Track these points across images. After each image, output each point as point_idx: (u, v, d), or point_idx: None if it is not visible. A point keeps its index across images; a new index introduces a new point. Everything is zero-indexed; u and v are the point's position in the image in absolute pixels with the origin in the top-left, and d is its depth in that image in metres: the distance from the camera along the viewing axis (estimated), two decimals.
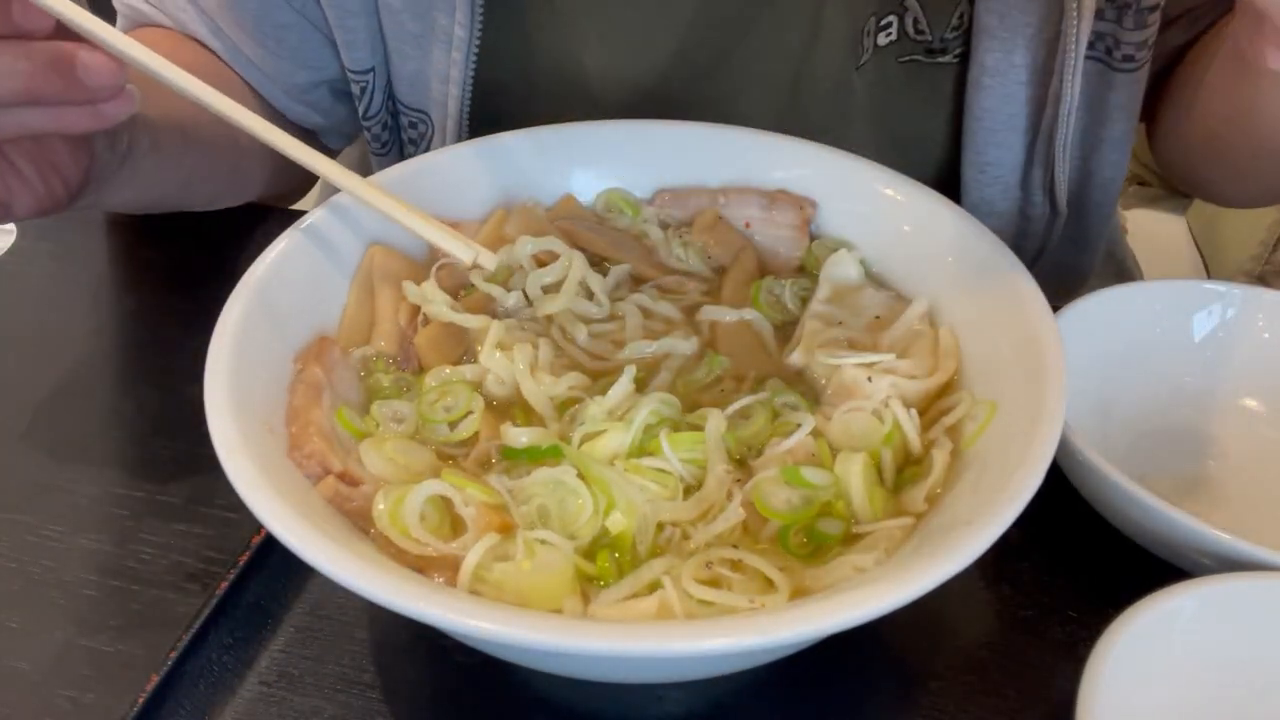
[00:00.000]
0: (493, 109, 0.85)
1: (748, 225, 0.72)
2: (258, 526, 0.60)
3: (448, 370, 0.61)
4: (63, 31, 0.55)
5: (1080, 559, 0.63)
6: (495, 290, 0.66)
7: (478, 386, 0.61)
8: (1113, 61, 0.81)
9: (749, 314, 0.66)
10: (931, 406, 0.60)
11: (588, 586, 0.51)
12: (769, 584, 0.51)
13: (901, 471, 0.57)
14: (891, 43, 0.84)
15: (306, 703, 0.56)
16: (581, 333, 0.64)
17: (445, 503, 0.53)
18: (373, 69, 0.87)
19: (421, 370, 0.62)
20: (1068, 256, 0.92)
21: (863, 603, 0.44)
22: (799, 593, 0.50)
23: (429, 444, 0.58)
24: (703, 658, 0.48)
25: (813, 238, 0.72)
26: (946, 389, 0.61)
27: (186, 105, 0.60)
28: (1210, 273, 1.49)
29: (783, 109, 0.86)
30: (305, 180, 1.00)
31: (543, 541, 0.51)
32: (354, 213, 0.65)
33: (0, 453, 0.69)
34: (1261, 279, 1.39)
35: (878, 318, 0.65)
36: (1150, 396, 0.71)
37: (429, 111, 0.88)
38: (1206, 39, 0.83)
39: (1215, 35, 0.82)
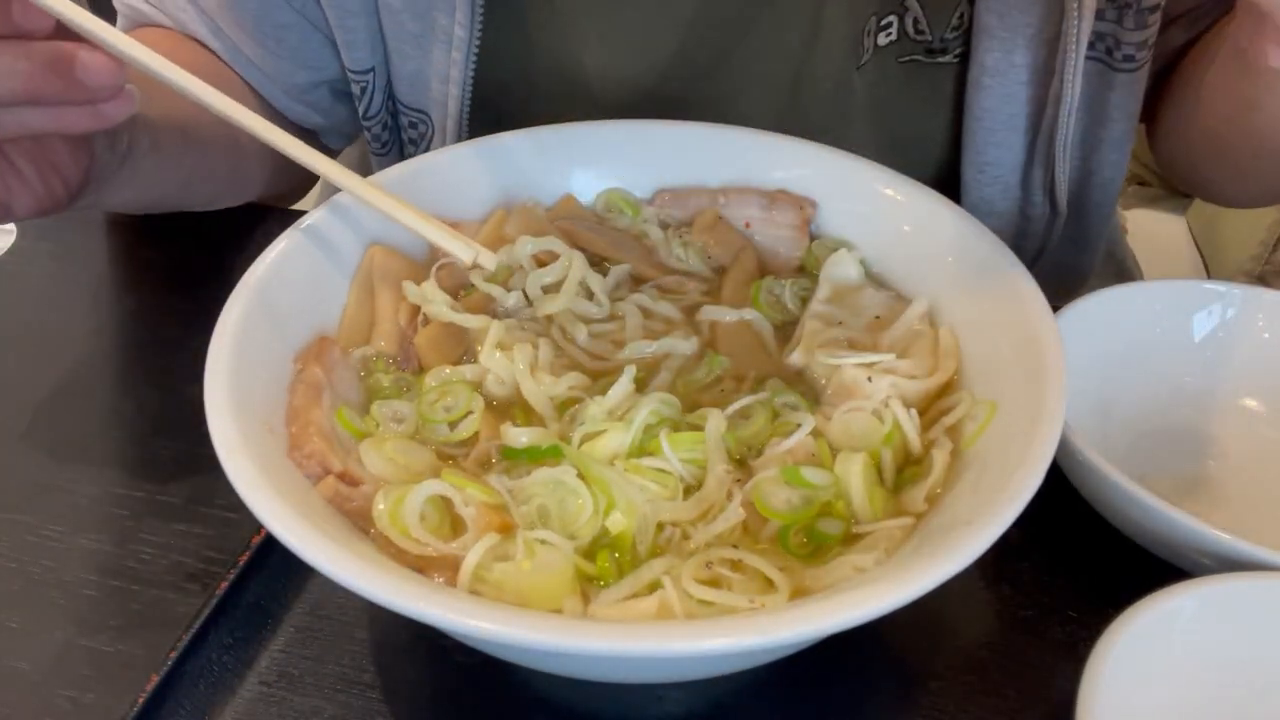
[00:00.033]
0: (493, 109, 0.85)
1: (748, 225, 0.72)
2: (258, 526, 0.60)
3: (448, 370, 0.61)
4: (63, 31, 0.55)
5: (1080, 559, 0.63)
6: (495, 290, 0.66)
7: (478, 386, 0.61)
8: (1113, 61, 0.81)
9: (749, 314, 0.66)
10: (931, 406, 0.60)
11: (588, 586, 0.51)
12: (769, 584, 0.51)
13: (901, 471, 0.57)
14: (892, 43, 0.84)
15: (306, 703, 0.56)
16: (581, 333, 0.64)
17: (445, 503, 0.53)
18: (373, 69, 0.87)
19: (421, 370, 0.62)
20: (1068, 256, 0.92)
21: (863, 603, 0.44)
22: (799, 593, 0.50)
23: (429, 444, 0.58)
24: (703, 658, 0.48)
25: (813, 238, 0.72)
26: (946, 389, 0.61)
27: (186, 105, 0.60)
28: (1210, 273, 1.49)
29: (783, 109, 0.86)
30: (305, 180, 1.00)
31: (543, 541, 0.51)
32: (354, 213, 0.65)
33: (0, 453, 0.69)
34: (1261, 279, 1.39)
35: (878, 318, 0.65)
36: (1150, 396, 0.71)
37: (429, 111, 0.88)
38: (1207, 39, 0.83)
39: (1216, 35, 0.82)
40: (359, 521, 0.53)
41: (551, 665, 0.53)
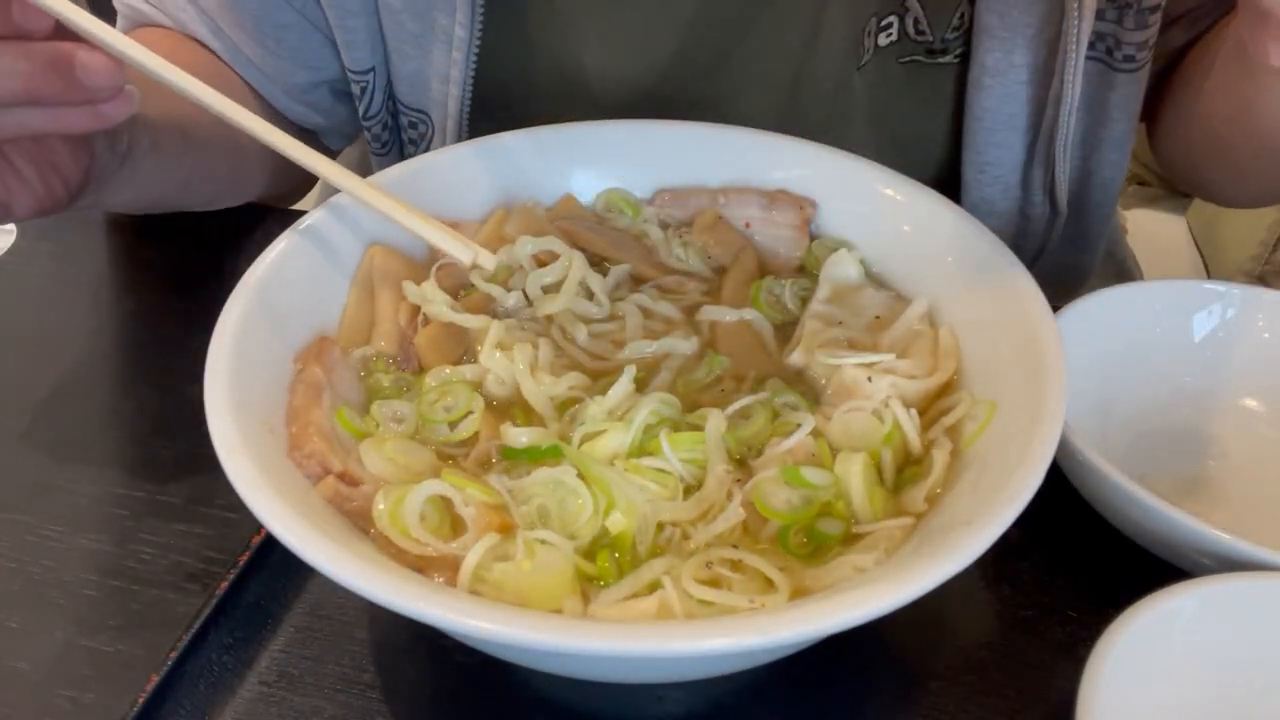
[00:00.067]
0: (493, 109, 0.85)
1: (748, 225, 0.72)
2: (258, 526, 0.60)
3: (448, 370, 0.61)
4: (62, 32, 0.55)
5: (1080, 559, 0.63)
6: (495, 290, 0.66)
7: (478, 386, 0.61)
8: (1113, 62, 0.81)
9: (749, 314, 0.66)
10: (931, 406, 0.60)
11: (588, 586, 0.51)
12: (769, 584, 0.51)
13: (901, 471, 0.57)
14: (892, 43, 0.84)
15: (306, 703, 0.56)
16: (581, 333, 0.64)
17: (445, 503, 0.53)
18: (373, 69, 0.87)
19: (421, 370, 0.62)
20: (1068, 256, 0.92)
21: (863, 603, 0.44)
22: (799, 593, 0.50)
23: (429, 444, 0.58)
24: (703, 658, 0.48)
25: (813, 238, 0.72)
26: (946, 389, 0.61)
27: (186, 105, 0.60)
28: (1210, 273, 1.49)
29: (783, 109, 0.86)
30: (305, 180, 1.00)
31: (543, 541, 0.51)
32: (354, 213, 0.65)
33: (0, 453, 0.69)
34: (1261, 279, 1.39)
35: (878, 318, 0.65)
36: (1150, 396, 0.71)
37: (429, 111, 0.88)
38: (1207, 39, 0.83)
39: (1216, 35, 0.82)
40: (359, 521, 0.53)
41: (551, 665, 0.53)
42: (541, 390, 0.59)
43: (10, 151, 0.60)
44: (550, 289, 0.66)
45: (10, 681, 0.57)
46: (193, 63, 0.84)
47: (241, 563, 0.61)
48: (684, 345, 0.64)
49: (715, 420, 0.57)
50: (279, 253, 0.61)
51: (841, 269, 0.68)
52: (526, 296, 0.66)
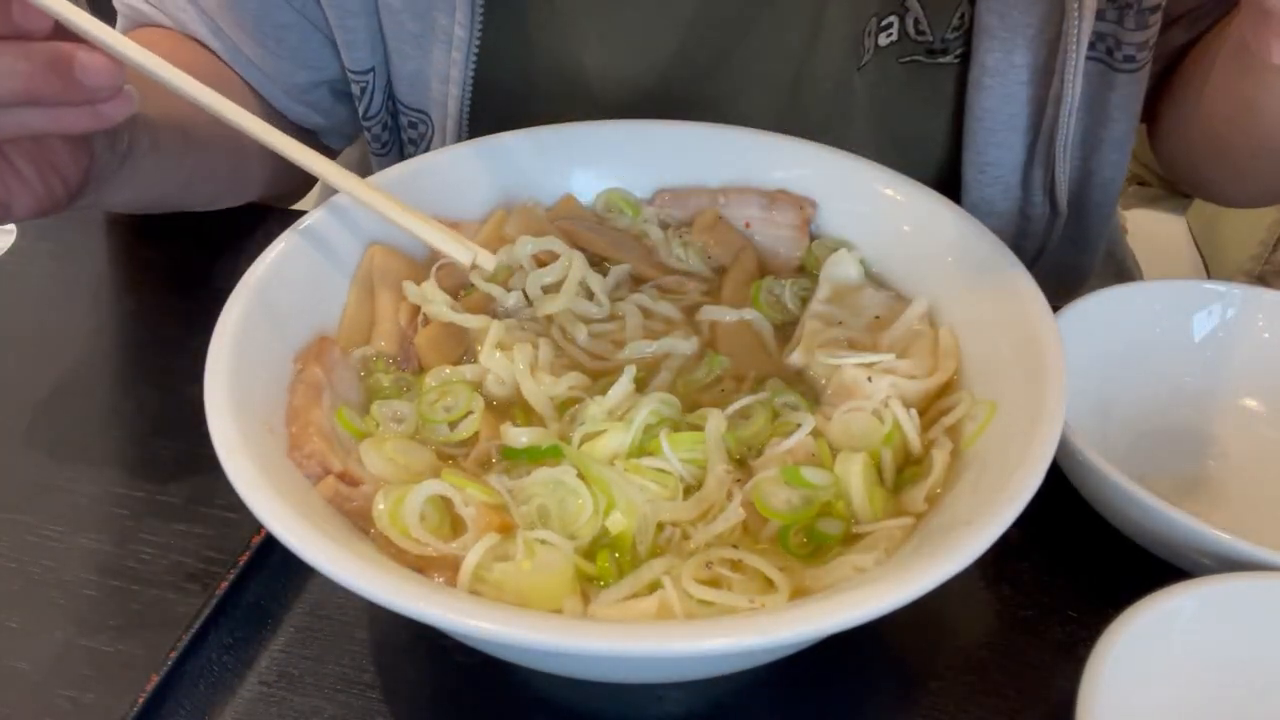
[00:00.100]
0: (493, 109, 0.85)
1: (748, 225, 0.72)
2: (258, 526, 0.60)
3: (448, 370, 0.61)
4: (62, 32, 0.55)
5: (1080, 559, 0.63)
6: (495, 290, 0.66)
7: (478, 386, 0.61)
8: (1114, 62, 0.81)
9: (749, 314, 0.66)
10: (931, 406, 0.60)
11: (588, 586, 0.51)
12: (769, 584, 0.51)
13: (901, 471, 0.57)
14: (892, 43, 0.84)
15: (306, 703, 0.56)
16: (581, 333, 0.64)
17: (445, 503, 0.53)
18: (373, 69, 0.87)
19: (421, 370, 0.62)
20: (1068, 256, 0.92)
21: (863, 603, 0.44)
22: (799, 593, 0.50)
23: (429, 444, 0.58)
24: (703, 658, 0.48)
25: (813, 238, 0.72)
26: (946, 389, 0.61)
27: (186, 105, 0.60)
28: (1210, 273, 1.49)
29: (783, 109, 0.86)
30: (305, 181, 1.00)
31: (543, 541, 0.51)
32: (354, 213, 0.65)
33: (0, 453, 0.69)
34: (1261, 279, 1.39)
35: (878, 318, 0.65)
36: (1150, 396, 0.71)
37: (429, 111, 0.88)
38: (1208, 39, 0.83)
39: (1217, 35, 0.82)
40: (359, 521, 0.53)
41: (551, 665, 0.53)
42: (541, 390, 0.59)
43: (10, 151, 0.60)
44: (550, 289, 0.66)
45: (10, 681, 0.57)
46: (193, 63, 0.84)
47: (241, 563, 0.61)
48: (684, 345, 0.64)
49: (715, 420, 0.57)
50: (279, 253, 0.61)
51: (841, 269, 0.68)
52: (526, 296, 0.66)
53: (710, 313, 0.66)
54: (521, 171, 0.72)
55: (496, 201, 0.72)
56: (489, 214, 0.71)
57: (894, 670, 0.59)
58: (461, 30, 0.81)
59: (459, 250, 0.63)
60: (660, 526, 0.54)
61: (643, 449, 0.56)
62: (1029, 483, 0.49)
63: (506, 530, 0.52)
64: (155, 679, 0.56)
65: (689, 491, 0.55)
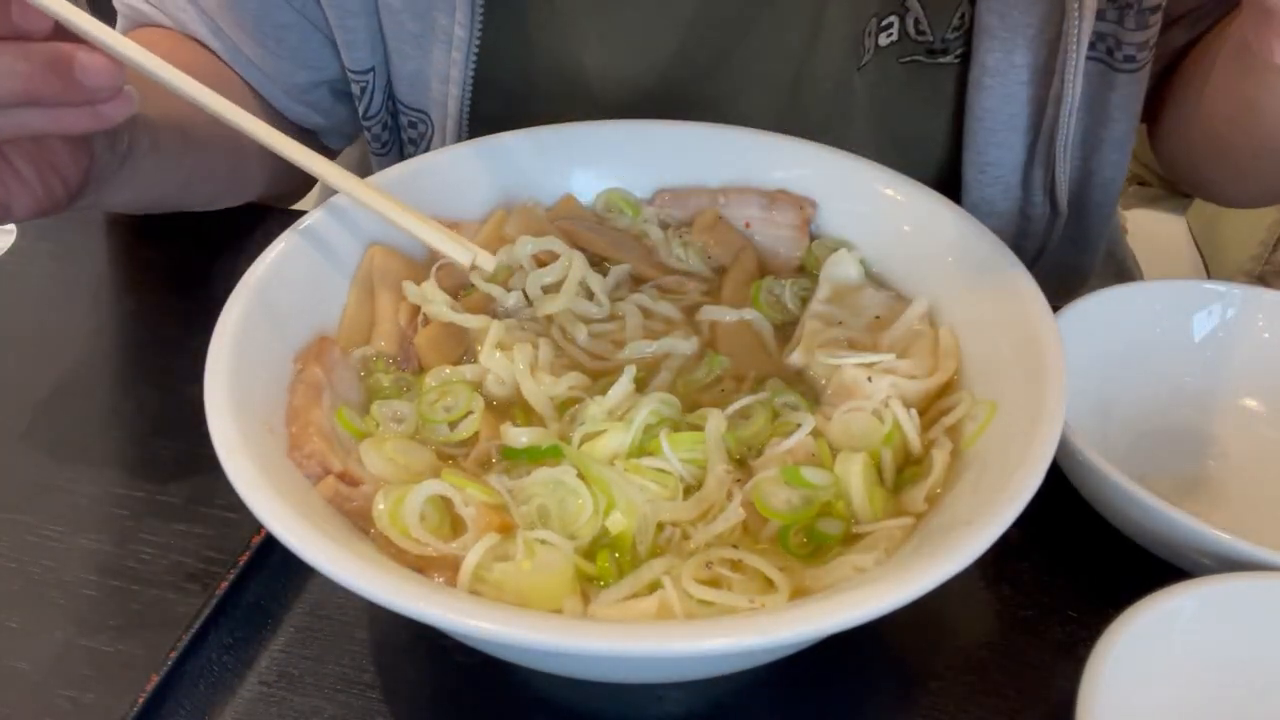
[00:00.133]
0: (493, 109, 0.85)
1: (748, 225, 0.72)
2: (258, 526, 0.60)
3: (448, 370, 0.61)
4: (61, 33, 0.55)
5: (1080, 559, 0.63)
6: (495, 290, 0.66)
7: (478, 386, 0.61)
8: (1114, 62, 0.81)
9: (749, 314, 0.66)
10: (931, 406, 0.60)
11: (588, 586, 0.51)
12: (769, 584, 0.51)
13: (901, 471, 0.57)
14: (892, 43, 0.84)
15: (306, 703, 0.56)
16: (581, 333, 0.64)
17: (445, 503, 0.53)
18: (373, 69, 0.87)
19: (421, 370, 0.62)
20: (1068, 256, 0.92)
21: (863, 603, 0.44)
22: (799, 593, 0.50)
23: (429, 444, 0.58)
24: (703, 658, 0.48)
25: (813, 238, 0.72)
26: (946, 389, 0.61)
27: (186, 106, 0.60)
28: (1210, 273, 1.49)
29: (783, 109, 0.86)
30: (305, 181, 1.00)
31: (543, 541, 0.51)
32: (354, 213, 0.65)
33: (0, 453, 0.69)
34: (1261, 279, 1.39)
35: (878, 318, 0.65)
36: (1150, 396, 0.71)
37: (429, 111, 0.88)
38: (1208, 39, 0.83)
39: (1217, 35, 0.82)
40: (359, 521, 0.53)
41: (551, 665, 0.53)
42: (541, 390, 0.59)
43: (10, 152, 0.60)
44: (550, 289, 0.66)
45: (10, 681, 0.57)
46: (193, 63, 0.84)
47: (241, 563, 0.61)
48: (684, 345, 0.64)
49: (715, 420, 0.57)
50: (279, 253, 0.61)
51: (841, 269, 0.68)
52: (526, 296, 0.66)
53: (710, 313, 0.66)
54: (521, 171, 0.72)
55: (496, 201, 0.72)
56: (489, 214, 0.71)
57: (894, 670, 0.59)
58: (461, 30, 0.81)
59: (458, 251, 0.63)
60: (660, 526, 0.54)
61: (643, 449, 0.56)
62: (1029, 483, 0.49)
63: (506, 530, 0.52)
64: (155, 679, 0.56)
65: (689, 491, 0.55)
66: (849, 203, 0.71)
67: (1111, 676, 0.49)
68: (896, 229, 0.69)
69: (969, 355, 0.62)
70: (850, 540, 0.54)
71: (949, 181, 0.88)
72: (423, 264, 0.67)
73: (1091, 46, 0.79)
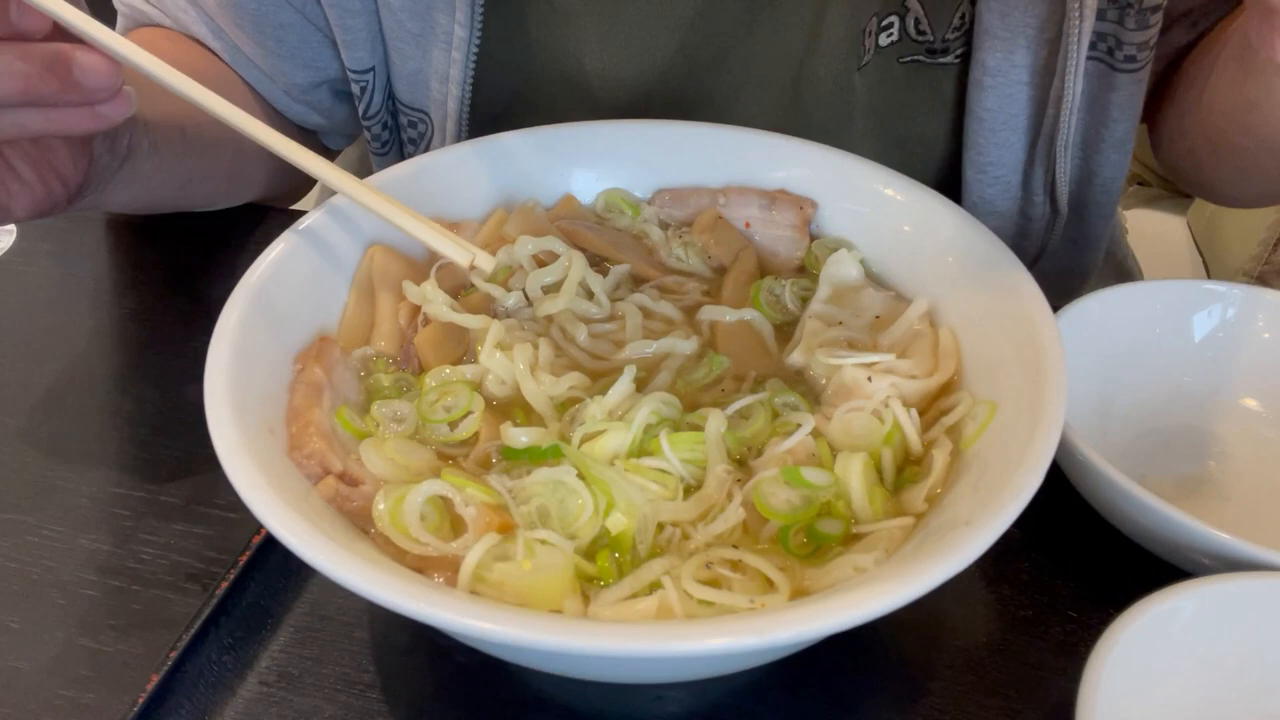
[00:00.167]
0: (493, 109, 0.85)
1: (748, 225, 0.72)
2: (258, 526, 0.60)
3: (448, 370, 0.61)
4: (60, 33, 0.55)
5: (1080, 559, 0.63)
6: (495, 290, 0.66)
7: (478, 386, 0.61)
8: (1114, 62, 0.81)
9: (749, 314, 0.66)
10: (931, 406, 0.60)
11: (588, 586, 0.51)
12: (769, 584, 0.51)
13: (901, 471, 0.57)
14: (893, 43, 0.84)
15: (306, 703, 0.56)
16: (581, 333, 0.64)
17: (445, 503, 0.53)
18: (373, 68, 0.87)
19: (421, 370, 0.62)
20: (1068, 257, 0.92)
21: (863, 603, 0.44)
22: (799, 593, 0.50)
23: (429, 444, 0.58)
24: (703, 658, 0.48)
25: (813, 238, 0.72)
26: (946, 389, 0.61)
27: (185, 106, 0.60)
28: (1210, 273, 1.49)
29: (783, 109, 0.86)
30: (305, 181, 1.00)
31: (543, 541, 0.51)
32: (353, 213, 0.65)
33: (0, 453, 0.69)
34: (1261, 279, 1.39)
35: (878, 318, 0.65)
36: (1150, 396, 0.71)
37: (429, 111, 0.88)
38: (1210, 39, 0.83)
39: (1218, 35, 0.82)
40: (359, 521, 0.53)
41: (551, 665, 0.53)
42: (541, 390, 0.59)
43: (9, 153, 0.60)
44: (550, 289, 0.66)
45: (10, 681, 0.57)
46: (193, 63, 0.84)
47: (241, 563, 0.61)
48: (684, 345, 0.64)
49: (715, 420, 0.57)
50: (279, 253, 0.61)
51: (841, 269, 0.68)
52: (526, 296, 0.66)
53: (710, 313, 0.66)
54: (521, 171, 0.72)
55: (496, 201, 0.72)
56: (489, 214, 0.71)
57: (894, 670, 0.59)
58: (461, 30, 0.81)
59: (456, 251, 0.63)
60: (660, 526, 0.54)
61: (643, 449, 0.56)
62: (1029, 483, 0.49)
63: (506, 530, 0.52)
64: (155, 679, 0.56)
65: (689, 491, 0.55)
66: (849, 203, 0.71)
67: (1111, 676, 0.49)
68: (896, 229, 0.69)
69: (969, 355, 0.62)
70: (850, 540, 0.54)
71: (949, 181, 0.88)
72: (423, 264, 0.67)
73: (1092, 46, 0.79)
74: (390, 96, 0.90)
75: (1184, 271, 1.50)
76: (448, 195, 0.69)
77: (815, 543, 0.53)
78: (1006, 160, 0.84)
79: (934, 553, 0.46)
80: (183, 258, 0.85)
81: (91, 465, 0.68)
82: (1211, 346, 0.72)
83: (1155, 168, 1.60)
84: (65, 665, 0.58)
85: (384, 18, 0.84)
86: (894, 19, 0.83)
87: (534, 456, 0.56)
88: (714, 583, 0.50)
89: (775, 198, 0.72)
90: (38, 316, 0.81)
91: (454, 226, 0.68)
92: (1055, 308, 0.60)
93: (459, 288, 0.67)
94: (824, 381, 0.62)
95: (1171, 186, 1.60)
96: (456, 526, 0.53)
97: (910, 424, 0.58)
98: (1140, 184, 1.63)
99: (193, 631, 0.58)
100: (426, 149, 0.90)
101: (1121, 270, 1.09)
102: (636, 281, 0.70)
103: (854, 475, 0.54)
